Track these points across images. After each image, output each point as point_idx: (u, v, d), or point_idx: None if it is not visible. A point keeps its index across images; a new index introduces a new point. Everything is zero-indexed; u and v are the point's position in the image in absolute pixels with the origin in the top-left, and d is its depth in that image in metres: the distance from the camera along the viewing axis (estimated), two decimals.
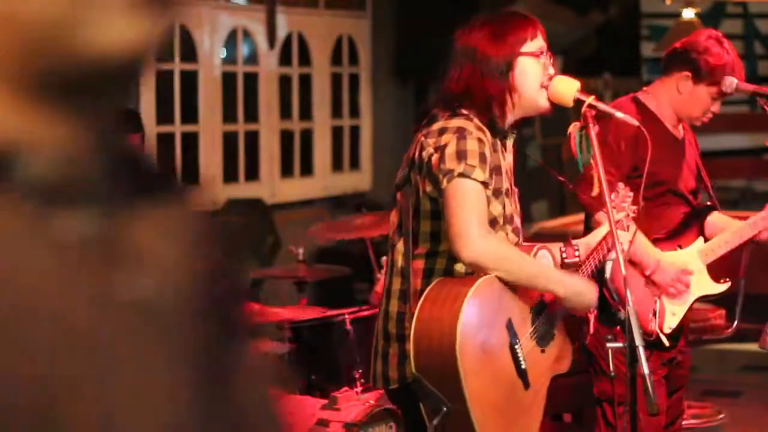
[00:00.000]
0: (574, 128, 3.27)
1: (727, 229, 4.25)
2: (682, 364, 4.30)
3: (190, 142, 7.67)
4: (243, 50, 8.15)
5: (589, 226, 4.26)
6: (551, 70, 3.28)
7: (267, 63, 8.26)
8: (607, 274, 4.06)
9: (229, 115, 7.96)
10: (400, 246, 3.28)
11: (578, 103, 3.25)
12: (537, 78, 3.24)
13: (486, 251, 3.06)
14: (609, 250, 3.43)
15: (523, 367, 3.16)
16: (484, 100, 3.20)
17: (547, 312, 3.32)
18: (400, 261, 3.27)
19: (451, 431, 3.07)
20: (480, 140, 3.12)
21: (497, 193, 3.20)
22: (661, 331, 4.10)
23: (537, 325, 3.24)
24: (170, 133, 7.49)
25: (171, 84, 7.46)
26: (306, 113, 8.68)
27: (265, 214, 7.86)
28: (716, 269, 4.25)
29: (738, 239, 4.25)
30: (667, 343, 4.12)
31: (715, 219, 4.31)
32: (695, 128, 4.39)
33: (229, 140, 7.98)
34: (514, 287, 3.18)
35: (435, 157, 3.12)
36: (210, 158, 7.78)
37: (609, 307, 4.08)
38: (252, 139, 8.21)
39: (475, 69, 3.23)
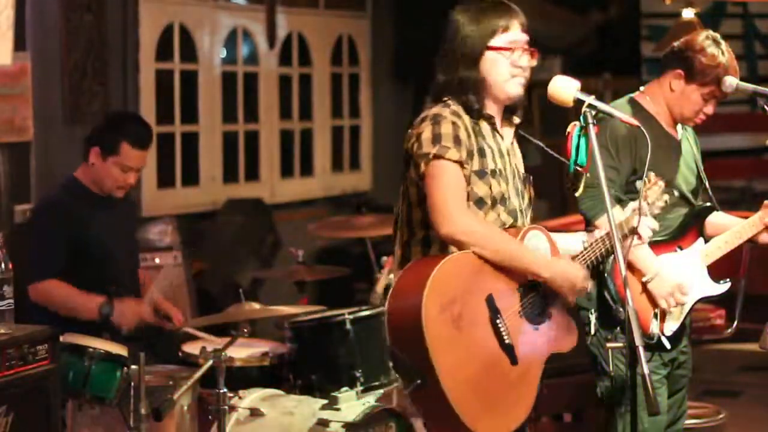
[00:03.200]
0: (573, 128, 3.27)
1: (728, 230, 4.25)
2: (683, 364, 4.29)
3: (190, 142, 7.67)
4: (243, 50, 8.14)
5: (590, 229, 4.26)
6: (524, 62, 3.35)
7: (267, 63, 8.25)
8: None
9: (229, 115, 7.95)
10: (398, 235, 3.40)
11: (578, 103, 3.25)
12: (503, 72, 3.34)
13: (462, 227, 3.17)
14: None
15: (507, 341, 3.21)
16: (459, 87, 3.33)
17: (542, 290, 3.36)
18: (398, 250, 3.39)
19: (425, 401, 3.15)
20: (454, 123, 3.27)
21: (481, 173, 3.28)
22: (662, 333, 4.10)
23: (527, 302, 3.27)
24: (170, 133, 7.48)
25: (171, 84, 7.45)
26: (306, 113, 8.68)
27: (265, 214, 7.85)
28: (716, 270, 4.25)
29: (738, 239, 4.25)
30: (668, 346, 4.11)
31: (717, 218, 4.31)
32: (695, 128, 4.39)
33: (229, 140, 7.97)
34: (498, 265, 3.24)
35: (415, 145, 3.29)
36: (210, 158, 7.78)
37: (609, 307, 4.09)
38: (252, 139, 8.20)
39: (453, 56, 3.36)
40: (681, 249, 4.18)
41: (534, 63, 3.38)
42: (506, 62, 3.32)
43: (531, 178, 3.50)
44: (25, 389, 3.59)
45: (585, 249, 3.44)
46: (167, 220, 6.67)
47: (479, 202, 3.27)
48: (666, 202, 3.65)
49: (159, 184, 7.33)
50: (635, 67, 9.97)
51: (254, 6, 8.19)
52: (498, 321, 3.18)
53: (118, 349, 4.24)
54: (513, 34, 3.35)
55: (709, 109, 4.23)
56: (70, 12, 6.32)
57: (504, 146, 3.39)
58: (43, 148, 6.06)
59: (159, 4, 7.24)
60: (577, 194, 3.40)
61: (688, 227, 4.22)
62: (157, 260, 6.29)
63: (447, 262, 3.13)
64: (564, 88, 3.28)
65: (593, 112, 3.23)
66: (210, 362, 4.21)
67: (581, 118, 3.24)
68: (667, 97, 4.23)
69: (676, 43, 4.27)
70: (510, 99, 3.39)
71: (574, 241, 3.52)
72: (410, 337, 3.07)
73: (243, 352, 4.77)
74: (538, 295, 3.34)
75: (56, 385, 3.72)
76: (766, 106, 4.14)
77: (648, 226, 3.52)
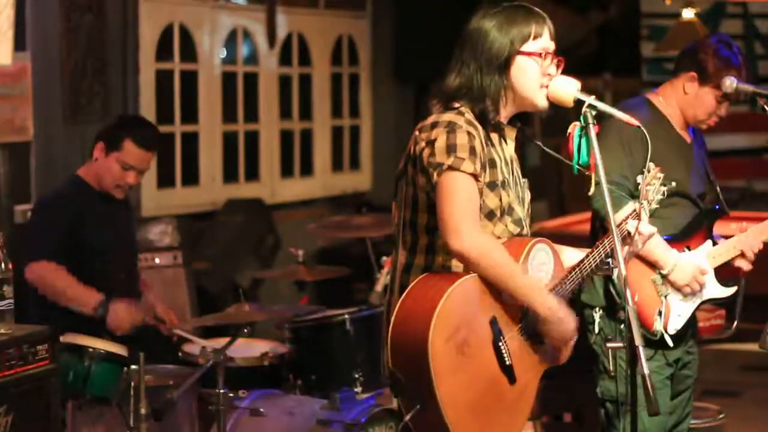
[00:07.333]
0: (573, 128, 3.26)
1: (736, 235, 4.26)
2: (689, 365, 4.29)
3: (190, 142, 7.67)
4: (243, 50, 8.14)
5: (595, 227, 4.26)
6: (552, 71, 3.27)
7: (267, 63, 8.25)
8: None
9: (229, 115, 7.95)
10: (400, 240, 3.30)
11: (578, 103, 3.24)
12: (534, 78, 3.25)
13: (472, 245, 3.07)
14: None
15: (508, 363, 3.14)
16: (478, 93, 3.23)
17: None
18: (402, 254, 3.29)
19: (423, 425, 3.08)
20: (469, 134, 3.15)
21: (492, 185, 3.21)
22: (666, 330, 4.09)
23: (528, 319, 3.22)
24: (170, 133, 7.48)
25: (171, 84, 7.45)
26: (306, 113, 8.68)
27: (265, 214, 7.85)
28: (716, 268, 4.25)
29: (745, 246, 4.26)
30: (671, 344, 4.11)
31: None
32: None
33: (229, 140, 7.97)
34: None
35: (426, 151, 3.16)
36: (210, 158, 7.78)
37: (615, 302, 4.08)
38: (252, 139, 8.20)
39: (474, 60, 3.25)
40: (689, 250, 4.19)
41: (559, 73, 3.29)
42: (537, 69, 3.24)
43: (528, 182, 3.45)
44: (25, 389, 3.59)
45: (585, 258, 3.36)
46: (167, 220, 6.67)
47: (490, 215, 3.21)
48: (664, 194, 3.58)
49: (159, 184, 7.33)
50: (635, 67, 9.97)
51: (254, 6, 8.19)
52: (500, 343, 3.13)
53: (118, 349, 4.24)
54: (544, 41, 3.28)
55: (722, 111, 4.24)
56: (70, 12, 6.32)
57: (508, 153, 3.34)
58: (43, 148, 6.06)
59: (159, 4, 7.24)
60: (589, 193, 3.36)
61: (696, 229, 4.22)
62: (157, 260, 6.29)
63: (453, 293, 3.05)
64: (564, 88, 3.27)
65: (593, 112, 3.22)
66: (210, 362, 4.21)
67: (581, 118, 3.23)
68: (680, 100, 4.24)
69: (689, 46, 4.29)
70: (535, 110, 3.31)
71: (577, 257, 3.46)
72: (414, 365, 3.02)
73: (243, 352, 4.78)
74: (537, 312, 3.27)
75: (56, 385, 3.71)
76: (766, 106, 4.15)
77: (645, 230, 3.42)
